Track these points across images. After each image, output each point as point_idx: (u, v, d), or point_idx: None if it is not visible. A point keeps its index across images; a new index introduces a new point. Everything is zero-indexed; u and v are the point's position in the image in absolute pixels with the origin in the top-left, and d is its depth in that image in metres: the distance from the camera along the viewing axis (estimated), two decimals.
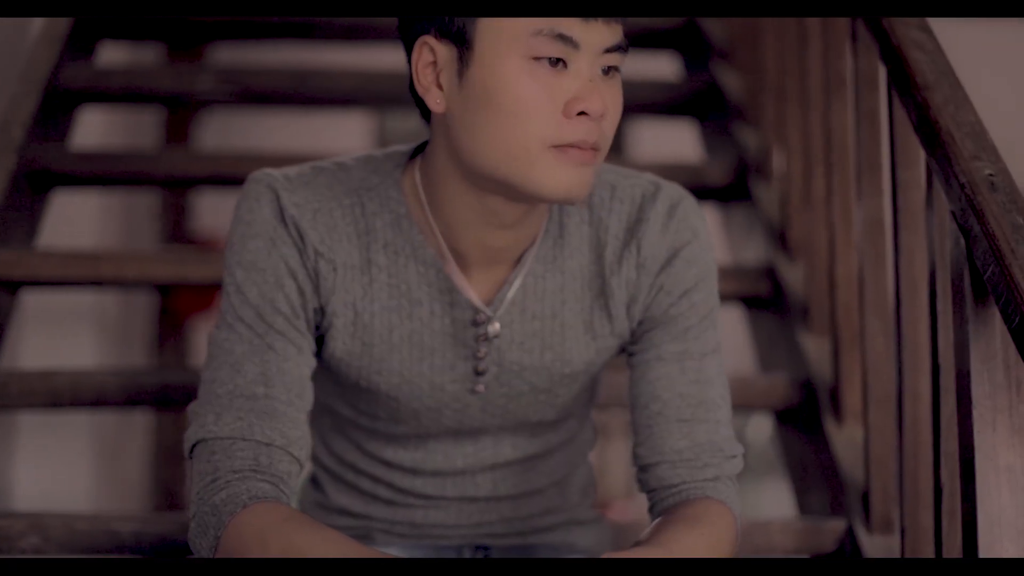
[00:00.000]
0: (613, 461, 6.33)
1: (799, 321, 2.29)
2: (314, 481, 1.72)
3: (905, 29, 1.80)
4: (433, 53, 1.41)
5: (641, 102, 2.99)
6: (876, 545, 1.91)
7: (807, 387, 2.20)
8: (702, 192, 2.68)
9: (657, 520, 1.46)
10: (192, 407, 1.46)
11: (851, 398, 2.07)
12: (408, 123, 6.54)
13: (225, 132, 5.92)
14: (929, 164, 1.68)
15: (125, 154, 2.80)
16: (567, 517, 1.72)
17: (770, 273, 2.44)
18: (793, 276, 2.36)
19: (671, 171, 2.60)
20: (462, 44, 1.39)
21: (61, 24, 2.91)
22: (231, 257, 1.48)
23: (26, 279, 2.45)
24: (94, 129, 4.02)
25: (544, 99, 1.37)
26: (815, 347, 2.22)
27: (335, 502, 1.69)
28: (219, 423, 1.42)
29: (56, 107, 2.84)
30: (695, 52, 3.11)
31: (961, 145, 1.61)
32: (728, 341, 1.56)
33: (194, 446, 1.44)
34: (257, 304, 1.46)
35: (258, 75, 3.03)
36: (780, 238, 2.45)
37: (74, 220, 3.61)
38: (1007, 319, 1.45)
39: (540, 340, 1.53)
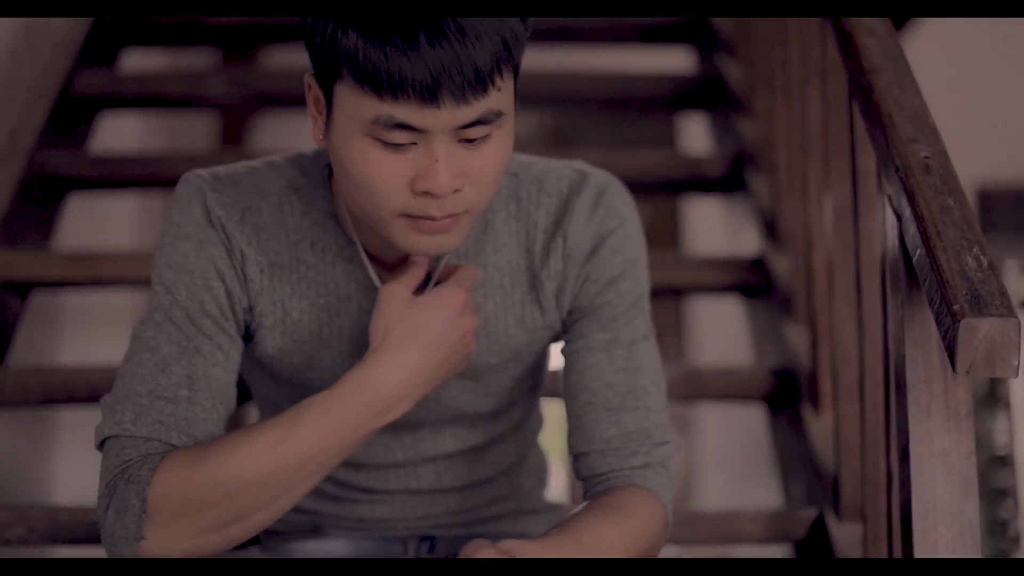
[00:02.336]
0: None
1: (785, 310, 2.29)
2: None
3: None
4: (315, 92, 1.39)
5: (646, 96, 2.99)
6: (845, 533, 1.91)
7: (788, 376, 2.20)
8: (701, 183, 2.69)
9: (577, 508, 1.47)
10: (107, 400, 1.44)
11: (826, 387, 2.07)
12: None
13: (279, 134, 5.97)
14: (875, 148, 1.67)
15: (138, 157, 2.85)
16: (516, 506, 1.73)
17: (762, 263, 2.43)
18: (781, 266, 2.36)
19: (669, 162, 2.62)
20: (328, 100, 1.35)
21: (77, 31, 2.98)
22: (161, 258, 1.48)
23: (33, 280, 2.51)
24: (145, 133, 4.11)
25: (388, 177, 1.32)
26: (796, 336, 2.22)
27: None
28: (137, 423, 1.41)
29: (72, 113, 2.91)
30: (705, 45, 3.11)
31: (900, 128, 1.60)
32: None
33: (104, 440, 1.43)
34: (186, 306, 1.46)
35: (276, 78, 3.07)
36: (770, 228, 2.44)
37: (117, 221, 3.69)
38: (930, 302, 1.44)
39: None
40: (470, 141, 1.32)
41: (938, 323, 1.41)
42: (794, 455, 2.17)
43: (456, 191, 1.33)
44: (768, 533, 1.99)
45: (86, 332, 3.23)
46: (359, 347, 1.53)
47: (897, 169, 1.55)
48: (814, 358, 2.10)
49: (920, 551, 1.49)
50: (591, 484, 1.53)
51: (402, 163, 1.31)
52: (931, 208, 1.49)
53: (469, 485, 1.68)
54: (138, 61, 3.65)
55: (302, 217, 1.51)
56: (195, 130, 5.04)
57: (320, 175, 1.52)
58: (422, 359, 1.40)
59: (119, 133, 3.81)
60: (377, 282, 1.51)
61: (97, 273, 2.49)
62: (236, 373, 1.50)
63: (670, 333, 6.77)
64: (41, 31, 2.99)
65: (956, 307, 1.37)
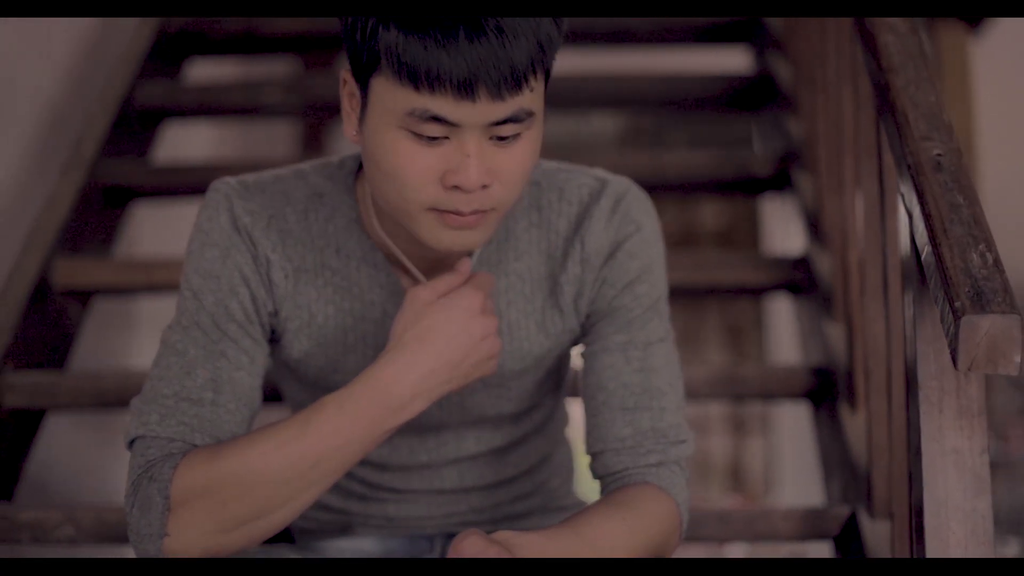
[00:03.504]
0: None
1: (826, 308, 2.29)
2: None
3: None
4: (351, 88, 1.43)
5: (702, 96, 3.00)
6: (877, 531, 1.91)
7: (826, 374, 2.20)
8: (749, 183, 2.69)
9: (587, 505, 1.49)
10: (135, 402, 1.49)
11: (861, 384, 2.06)
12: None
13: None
14: (891, 146, 1.67)
15: (200, 166, 2.91)
16: (542, 503, 1.75)
17: (806, 261, 2.43)
18: (823, 263, 2.36)
19: (717, 161, 2.63)
20: (364, 95, 1.39)
21: (141, 42, 3.05)
22: (189, 264, 1.53)
23: (93, 287, 2.59)
24: (220, 141, 4.20)
25: (420, 170, 1.35)
26: (834, 333, 2.22)
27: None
28: (162, 424, 1.46)
29: (135, 123, 2.98)
30: (759, 44, 3.11)
31: (914, 126, 1.61)
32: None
33: (133, 441, 1.48)
34: (213, 311, 1.50)
35: (332, 85, 3.12)
36: (814, 226, 2.44)
37: (180, 228, 3.76)
38: (935, 300, 1.44)
39: None
40: (501, 139, 1.36)
41: (942, 320, 1.42)
42: (832, 452, 2.17)
43: (485, 187, 1.37)
44: (801, 531, 1.99)
45: (145, 337, 3.30)
46: (381, 352, 1.56)
47: (909, 167, 1.56)
48: (850, 356, 2.10)
49: (932, 548, 1.49)
50: (606, 482, 1.55)
51: (434, 156, 1.35)
52: (939, 206, 1.49)
53: (492, 484, 1.71)
54: (211, 70, 3.73)
55: (327, 223, 1.55)
56: (279, 137, 5.11)
57: (345, 182, 1.56)
58: (435, 360, 1.41)
59: (192, 141, 3.90)
60: (402, 286, 1.54)
61: (152, 280, 2.55)
62: (261, 376, 1.54)
63: (752, 332, 6.76)
64: (107, 42, 3.07)
65: (958, 304, 1.38)
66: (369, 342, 1.57)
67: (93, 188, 2.74)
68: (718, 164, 2.69)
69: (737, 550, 4.51)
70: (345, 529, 1.74)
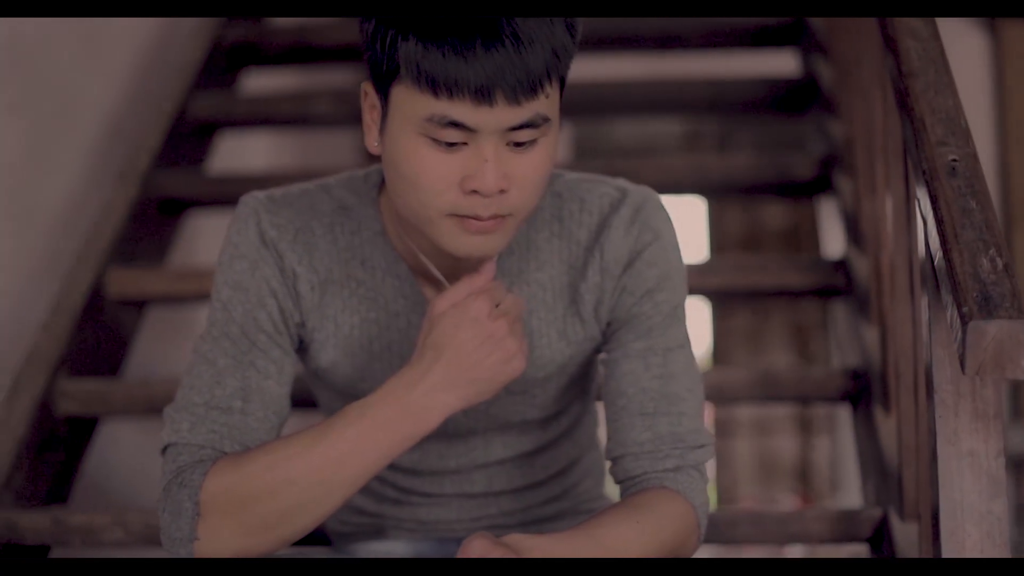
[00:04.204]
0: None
1: (862, 310, 2.30)
2: None
3: (903, 18, 1.81)
4: (372, 99, 1.47)
5: (745, 100, 3.02)
6: (906, 533, 1.92)
7: (861, 376, 2.21)
8: (791, 186, 2.71)
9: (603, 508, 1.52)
10: (167, 410, 1.54)
11: (894, 386, 2.07)
12: (600, 130, 6.64)
13: None
14: (907, 152, 1.69)
15: (252, 176, 2.97)
16: (572, 505, 1.78)
17: (844, 264, 2.44)
18: (861, 267, 2.37)
19: (758, 165, 2.65)
20: (384, 103, 1.43)
21: (196, 54, 3.12)
22: (220, 276, 1.58)
23: (146, 296, 2.65)
24: (279, 150, 4.26)
25: (439, 175, 1.39)
26: (870, 336, 2.23)
27: (350, 503, 1.79)
28: (193, 431, 1.51)
29: (188, 134, 3.05)
30: (804, 47, 3.12)
31: (931, 132, 1.62)
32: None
33: (166, 448, 1.53)
34: (242, 322, 1.55)
35: None
36: (852, 229, 2.45)
37: None
38: (946, 304, 1.46)
39: None
40: (518, 145, 1.40)
41: (951, 325, 1.43)
42: (868, 455, 2.18)
43: (502, 192, 1.40)
44: (833, 533, 2.01)
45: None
46: (407, 360, 1.59)
47: (924, 172, 1.57)
48: (883, 358, 2.11)
49: (948, 551, 1.50)
50: (625, 487, 1.57)
51: (453, 162, 1.39)
52: (952, 211, 1.50)
53: (521, 488, 1.74)
54: (269, 81, 3.80)
55: (352, 236, 1.59)
56: (336, 146, 5.17)
57: (370, 195, 1.60)
58: (448, 368, 1.43)
59: (252, 151, 3.97)
60: (425, 296, 1.58)
61: (205, 289, 2.61)
62: (289, 385, 1.58)
63: (817, 332, 6.73)
64: (164, 55, 3.14)
65: (965, 309, 1.39)
66: (395, 351, 1.61)
67: (148, 199, 2.81)
68: (758, 168, 2.71)
69: (796, 552, 4.51)
70: (379, 532, 1.78)
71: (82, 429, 2.45)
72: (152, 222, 2.83)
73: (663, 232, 1.60)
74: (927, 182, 1.55)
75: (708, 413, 7.16)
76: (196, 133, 3.09)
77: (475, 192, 1.39)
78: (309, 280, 1.58)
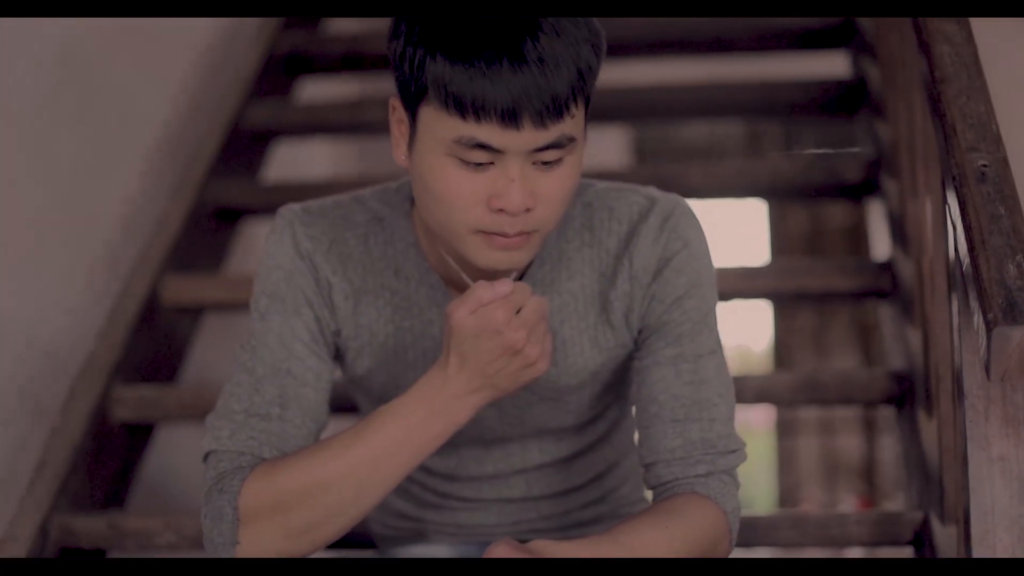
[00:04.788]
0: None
1: (907, 314, 2.30)
2: None
3: (937, 22, 1.81)
4: (399, 114, 1.49)
5: (796, 103, 3.02)
6: (946, 536, 1.92)
7: (905, 380, 2.21)
8: (839, 188, 2.71)
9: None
10: (209, 418, 1.59)
11: (935, 390, 2.07)
12: (664, 133, 6.64)
13: None
14: (940, 157, 1.69)
15: (308, 184, 3.02)
16: (611, 509, 1.80)
17: (890, 267, 2.44)
18: (906, 269, 2.36)
19: (807, 167, 2.65)
20: (412, 122, 1.45)
21: (252, 62, 3.17)
22: (258, 286, 1.63)
23: (201, 303, 2.70)
24: (341, 157, 4.30)
25: (467, 193, 1.42)
26: (913, 339, 2.23)
27: (393, 507, 1.83)
28: (233, 438, 1.55)
29: (244, 143, 3.10)
30: (854, 49, 3.11)
31: (962, 137, 1.62)
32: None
33: (207, 455, 1.58)
34: (279, 331, 1.59)
35: None
36: (899, 232, 2.45)
37: None
38: (973, 310, 1.46)
39: None
40: (544, 164, 1.43)
41: (977, 330, 1.44)
42: (912, 458, 2.18)
43: (528, 210, 1.43)
44: (874, 536, 2.01)
45: None
46: None
47: (954, 179, 1.58)
48: (926, 362, 2.11)
49: (979, 555, 1.51)
50: (658, 493, 1.59)
51: (479, 182, 1.42)
52: (980, 217, 1.51)
53: (560, 493, 1.77)
54: (327, 89, 3.84)
55: (386, 246, 1.63)
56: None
57: (402, 207, 1.64)
58: (469, 371, 1.46)
59: (311, 159, 4.02)
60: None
61: None
62: (327, 392, 1.62)
63: (874, 335, 6.67)
64: (220, 65, 3.19)
65: (990, 315, 1.39)
66: (429, 358, 1.64)
67: (204, 207, 2.86)
68: (807, 170, 2.71)
69: (856, 553, 4.50)
70: (420, 536, 1.81)
71: (138, 435, 2.50)
72: (208, 230, 2.88)
73: (692, 240, 1.61)
74: (956, 187, 1.56)
75: (767, 414, 7.13)
76: (252, 141, 3.14)
77: (501, 210, 1.42)
78: (343, 290, 1.61)
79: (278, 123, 3.17)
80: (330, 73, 3.50)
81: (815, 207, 6.61)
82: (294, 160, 3.75)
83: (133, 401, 2.44)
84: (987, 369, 1.39)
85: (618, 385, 1.74)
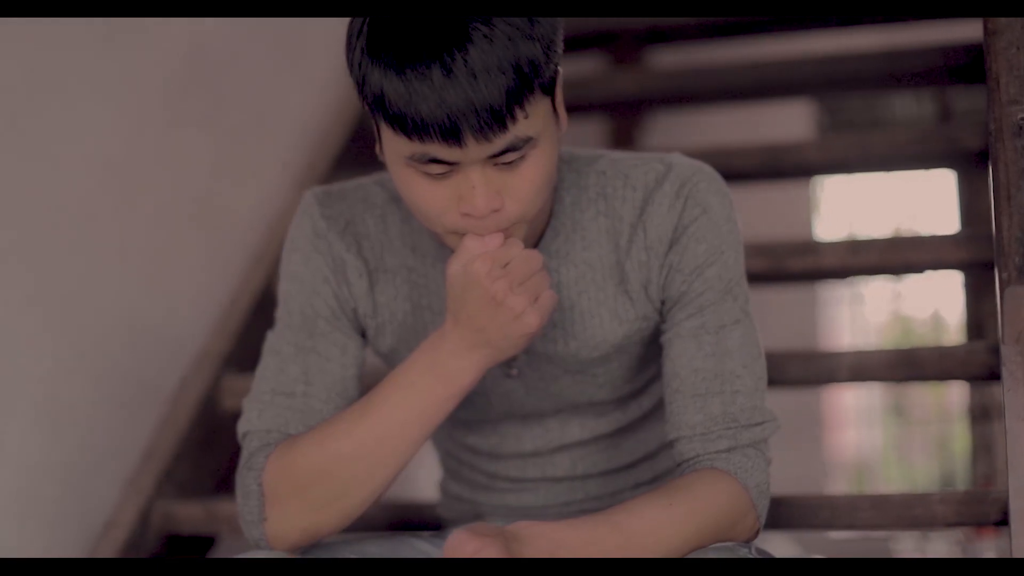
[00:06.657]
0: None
1: None
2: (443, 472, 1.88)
3: None
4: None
5: (919, 71, 2.92)
6: None
7: None
8: (961, 157, 2.60)
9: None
10: (244, 401, 1.63)
11: None
12: (847, 104, 6.45)
13: (668, 133, 6.02)
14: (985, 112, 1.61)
15: None
16: None
17: None
18: None
19: (924, 138, 2.56)
20: (377, 129, 1.44)
21: None
22: (282, 269, 1.67)
23: None
24: None
25: (434, 201, 1.41)
26: None
27: (450, 490, 1.84)
28: (261, 418, 1.59)
29: (368, 136, 3.12)
30: None
31: (1004, 90, 1.54)
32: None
33: (244, 436, 1.61)
34: (301, 310, 1.63)
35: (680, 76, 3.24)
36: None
37: None
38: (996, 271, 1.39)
39: (562, 330, 1.60)
40: (506, 164, 1.40)
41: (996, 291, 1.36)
42: (1015, 435, 2.07)
43: (496, 211, 1.41)
44: (959, 516, 1.91)
45: None
46: None
47: (990, 133, 1.50)
48: None
49: (1018, 531, 1.43)
50: (682, 470, 1.55)
51: (444, 188, 1.41)
52: (1009, 172, 1.43)
53: (607, 471, 1.74)
54: None
55: (403, 225, 1.64)
56: (589, 133, 5.14)
57: None
58: (462, 331, 1.46)
59: None
60: None
61: None
62: (356, 367, 1.64)
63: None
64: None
65: (1004, 275, 1.32)
66: None
67: None
68: (925, 139, 2.61)
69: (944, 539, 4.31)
70: (478, 517, 1.81)
71: None
72: None
73: (712, 206, 1.56)
74: (990, 143, 1.48)
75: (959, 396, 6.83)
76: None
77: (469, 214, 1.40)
78: (357, 268, 1.63)
79: None
80: None
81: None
82: None
83: (242, 391, 2.48)
84: (1001, 331, 1.31)
85: (659, 358, 1.69)
